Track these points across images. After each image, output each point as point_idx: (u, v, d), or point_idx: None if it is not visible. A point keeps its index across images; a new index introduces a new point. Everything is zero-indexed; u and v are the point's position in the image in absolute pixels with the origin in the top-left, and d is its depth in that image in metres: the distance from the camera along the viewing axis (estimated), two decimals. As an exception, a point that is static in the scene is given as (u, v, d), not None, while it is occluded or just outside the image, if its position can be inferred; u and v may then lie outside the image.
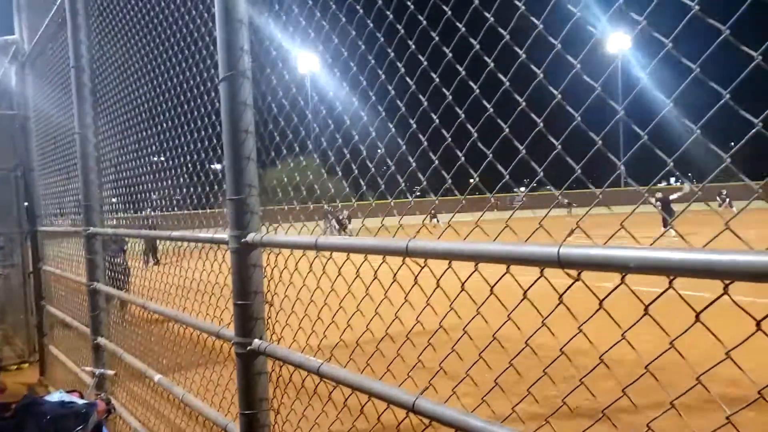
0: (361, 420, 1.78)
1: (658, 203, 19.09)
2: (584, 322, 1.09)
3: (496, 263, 1.26)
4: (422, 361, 1.51)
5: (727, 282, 0.90)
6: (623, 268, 0.99)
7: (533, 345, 1.24)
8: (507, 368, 1.28)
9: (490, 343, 1.34)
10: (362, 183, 1.94)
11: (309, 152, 2.35)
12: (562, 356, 1.22)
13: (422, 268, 1.50)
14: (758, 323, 0.87)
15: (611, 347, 1.10)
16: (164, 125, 3.24)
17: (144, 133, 3.61)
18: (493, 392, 1.38)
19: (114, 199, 4.43)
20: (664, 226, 17.98)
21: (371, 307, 1.69)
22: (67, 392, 3.58)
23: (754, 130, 0.84)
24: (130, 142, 3.93)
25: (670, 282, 0.98)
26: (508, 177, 1.39)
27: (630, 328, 1.03)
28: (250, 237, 2.19)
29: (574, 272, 1.15)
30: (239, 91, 2.22)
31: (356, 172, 1.92)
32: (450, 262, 1.44)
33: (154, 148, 3.49)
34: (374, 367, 1.74)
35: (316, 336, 1.96)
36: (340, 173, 2.10)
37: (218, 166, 2.60)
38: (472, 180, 1.47)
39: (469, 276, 1.37)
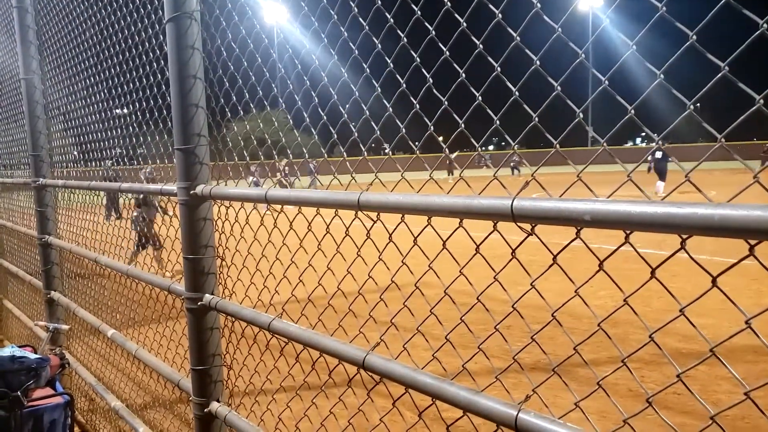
0: (312, 375, 1.74)
1: (651, 162, 19.30)
2: (537, 278, 1.05)
3: (449, 217, 1.19)
4: (374, 317, 1.45)
5: (685, 237, 0.85)
6: (579, 221, 0.94)
7: (487, 302, 1.20)
8: (457, 324, 1.23)
9: (441, 299, 1.29)
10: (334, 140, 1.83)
11: (264, 107, 2.21)
12: (519, 313, 1.18)
13: (374, 222, 1.43)
14: (714, 279, 0.83)
15: (563, 304, 1.06)
16: (112, 71, 3.06)
17: (92, 79, 3.41)
18: (445, 349, 1.34)
19: (62, 150, 4.22)
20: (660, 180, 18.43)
21: (324, 262, 1.63)
22: (20, 347, 3.47)
23: (755, 107, 0.78)
24: (79, 89, 3.71)
25: (627, 237, 0.93)
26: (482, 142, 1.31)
27: (584, 284, 0.98)
28: (200, 189, 2.08)
29: (528, 228, 1.09)
30: (186, 33, 2.07)
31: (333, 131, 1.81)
32: (403, 216, 1.37)
33: (103, 95, 3.30)
34: (326, 323, 1.69)
35: (268, 291, 1.89)
36: (309, 129, 1.99)
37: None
38: (441, 138, 1.40)
39: (422, 231, 1.31)
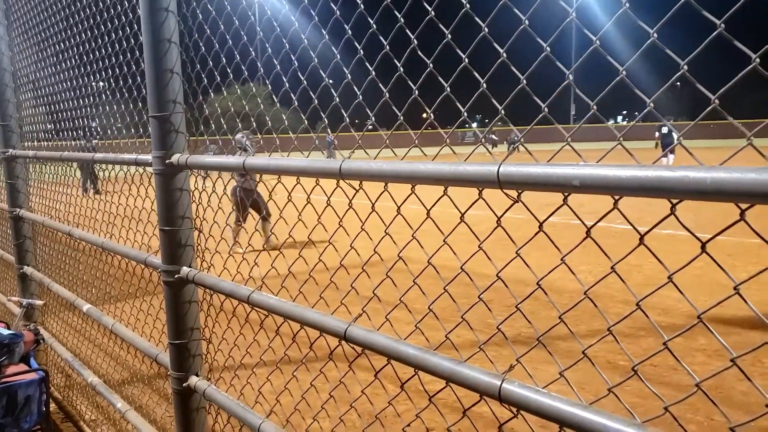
0: (293, 349, 1.71)
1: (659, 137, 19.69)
2: (522, 246, 1.02)
3: (434, 184, 1.16)
4: (356, 289, 1.43)
5: (675, 201, 0.83)
6: (567, 186, 0.91)
7: (472, 272, 1.17)
8: (441, 294, 1.21)
9: (425, 269, 1.26)
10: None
11: (243, 76, 2.13)
12: (504, 282, 1.16)
13: (357, 191, 1.39)
14: (703, 245, 0.81)
15: (549, 272, 1.04)
16: (83, 36, 2.94)
17: (63, 45, 3.29)
18: (429, 323, 1.32)
19: (33, 119, 4.08)
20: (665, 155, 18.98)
21: (305, 233, 1.59)
22: (-8, 323, 3.40)
23: (750, 66, 0.75)
24: (49, 55, 3.58)
25: (615, 202, 0.90)
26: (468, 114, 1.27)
27: (571, 251, 0.96)
28: (175, 158, 2.02)
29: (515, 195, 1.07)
30: (160, -5, 1.99)
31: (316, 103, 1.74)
32: (386, 185, 1.34)
33: (74, 61, 3.18)
34: (308, 297, 1.66)
35: (247, 264, 1.85)
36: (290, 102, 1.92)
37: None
38: (424, 115, 1.35)
39: (405, 199, 1.27)
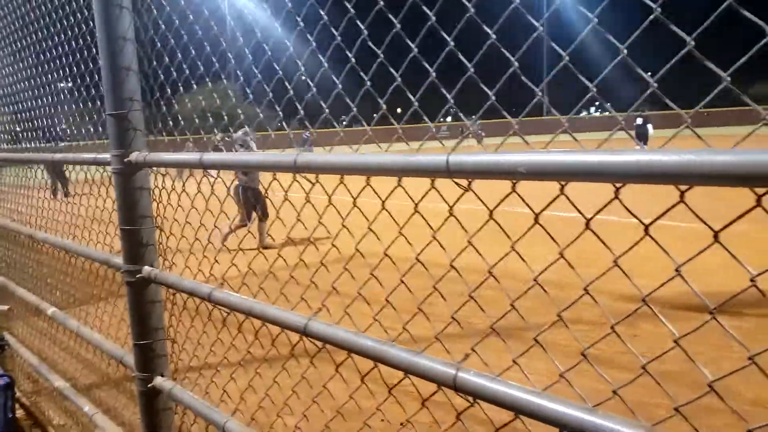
0: (257, 346, 1.69)
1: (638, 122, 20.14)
2: (474, 234, 1.02)
3: (387, 175, 1.15)
4: (315, 283, 1.41)
5: (619, 186, 0.84)
6: (514, 173, 0.91)
7: (434, 264, 1.17)
8: (397, 286, 1.20)
9: (381, 261, 1.26)
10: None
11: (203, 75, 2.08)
12: (458, 272, 1.16)
13: (313, 184, 1.38)
14: (646, 228, 0.82)
15: (500, 260, 1.04)
16: (37, 35, 2.87)
17: (17, 45, 3.20)
18: (389, 314, 1.31)
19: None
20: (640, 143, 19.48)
21: (283, 231, 1.57)
22: (-45, 330, 3.32)
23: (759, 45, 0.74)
24: (5, 55, 3.49)
25: (561, 188, 0.91)
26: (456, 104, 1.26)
27: (520, 238, 0.96)
28: (134, 156, 1.98)
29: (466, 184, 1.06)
30: (113, -9, 1.94)
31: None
32: (342, 178, 1.33)
33: (31, 60, 3.11)
34: (269, 293, 1.64)
35: (208, 262, 1.82)
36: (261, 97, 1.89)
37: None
38: (399, 110, 1.33)
39: (361, 191, 1.27)
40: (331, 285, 1.38)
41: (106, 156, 2.11)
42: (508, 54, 1.06)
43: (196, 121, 2.12)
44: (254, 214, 7.29)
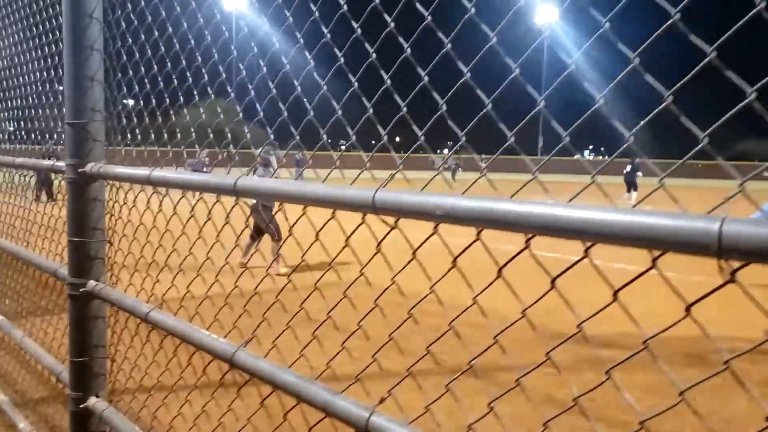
0: (188, 372, 1.64)
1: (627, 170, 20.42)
2: (397, 273, 1.00)
3: (320, 206, 1.14)
4: (249, 311, 1.38)
5: (529, 236, 0.82)
6: (432, 215, 0.90)
7: (357, 300, 1.14)
8: (325, 320, 1.17)
9: (312, 292, 1.23)
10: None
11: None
12: (381, 310, 1.13)
13: (247, 216, 1.36)
14: (553, 280, 0.80)
15: (419, 301, 1.01)
16: (9, 40, 2.86)
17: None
18: (313, 347, 1.27)
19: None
20: (628, 191, 19.73)
21: (205, 250, 1.54)
22: None
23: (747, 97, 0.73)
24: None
25: (478, 233, 0.89)
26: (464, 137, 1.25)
27: (437, 281, 0.94)
28: (89, 167, 1.95)
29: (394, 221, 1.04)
30: (84, 2, 1.94)
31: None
32: (281, 205, 1.30)
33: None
34: (204, 316, 1.60)
35: (151, 279, 1.78)
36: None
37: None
38: (398, 138, 1.30)
39: (297, 219, 1.24)
40: (263, 315, 1.34)
41: (62, 165, 2.08)
42: (483, 95, 1.03)
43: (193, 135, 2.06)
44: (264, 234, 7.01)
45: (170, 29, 1.84)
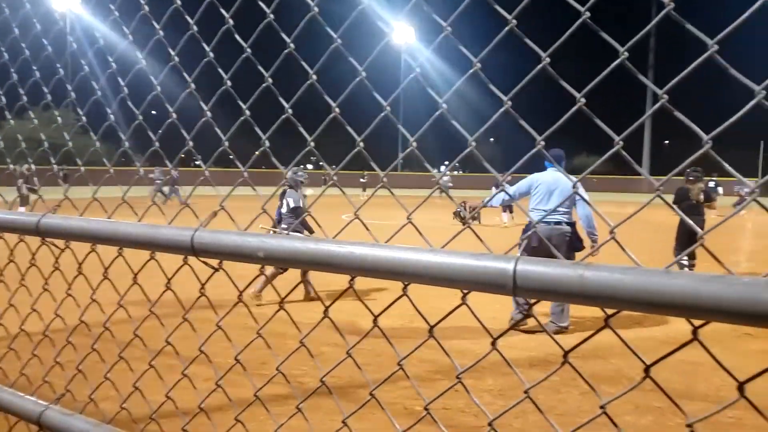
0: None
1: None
2: (222, 317, 0.94)
3: (135, 248, 1.04)
4: (61, 363, 1.23)
5: (352, 275, 0.82)
6: (254, 258, 0.86)
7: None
8: (116, 361, 1.07)
9: (131, 341, 1.12)
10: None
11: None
12: (141, 339, 1.06)
13: (63, 250, 1.22)
14: (430, 329, 0.80)
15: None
16: None
17: None
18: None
19: None
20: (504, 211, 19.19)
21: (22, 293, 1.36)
22: None
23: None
24: None
25: (302, 276, 0.87)
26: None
27: (264, 324, 0.91)
28: None
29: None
30: None
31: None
32: (93, 246, 1.18)
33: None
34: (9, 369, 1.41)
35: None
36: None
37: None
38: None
39: (112, 261, 1.14)
40: (76, 367, 1.20)
41: None
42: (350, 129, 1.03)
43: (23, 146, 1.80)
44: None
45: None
